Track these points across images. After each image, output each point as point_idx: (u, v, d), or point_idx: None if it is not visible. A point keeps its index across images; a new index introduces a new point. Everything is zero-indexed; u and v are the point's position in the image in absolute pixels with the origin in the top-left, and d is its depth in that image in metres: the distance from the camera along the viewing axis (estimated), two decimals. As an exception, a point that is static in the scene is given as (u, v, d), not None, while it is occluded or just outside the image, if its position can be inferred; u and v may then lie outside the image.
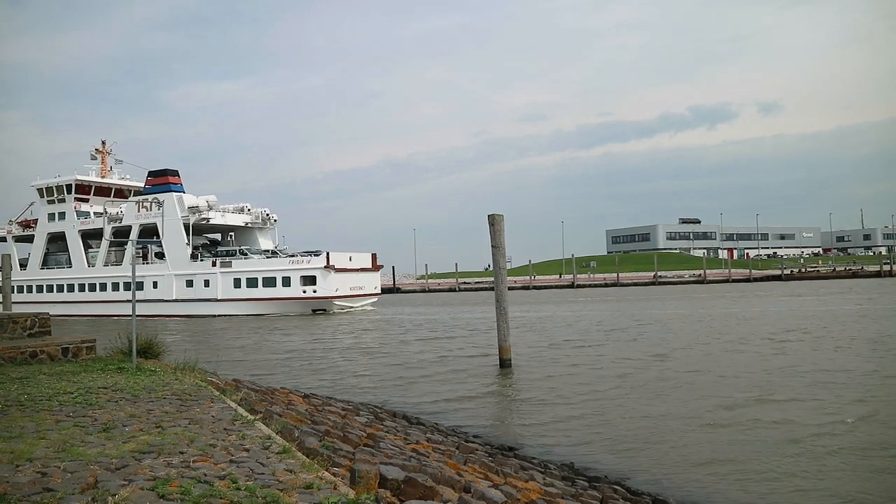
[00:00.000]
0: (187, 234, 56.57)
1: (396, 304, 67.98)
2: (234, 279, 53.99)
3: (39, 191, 65.75)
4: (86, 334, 13.98)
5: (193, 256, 56.76)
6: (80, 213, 63.17)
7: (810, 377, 16.56)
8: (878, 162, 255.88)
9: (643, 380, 17.00)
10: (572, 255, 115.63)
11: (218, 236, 64.53)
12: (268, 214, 61.95)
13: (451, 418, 13.46)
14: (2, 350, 11.47)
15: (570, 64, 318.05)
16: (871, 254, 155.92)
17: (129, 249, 61.37)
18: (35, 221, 67.02)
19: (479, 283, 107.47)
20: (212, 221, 57.56)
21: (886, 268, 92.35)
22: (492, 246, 20.86)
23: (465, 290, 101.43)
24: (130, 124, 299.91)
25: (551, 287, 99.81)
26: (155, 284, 57.31)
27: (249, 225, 60.73)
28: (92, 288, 61.12)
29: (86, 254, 62.79)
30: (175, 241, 56.51)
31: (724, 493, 8.64)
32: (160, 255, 58.70)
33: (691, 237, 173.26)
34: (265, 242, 61.45)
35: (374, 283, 57.12)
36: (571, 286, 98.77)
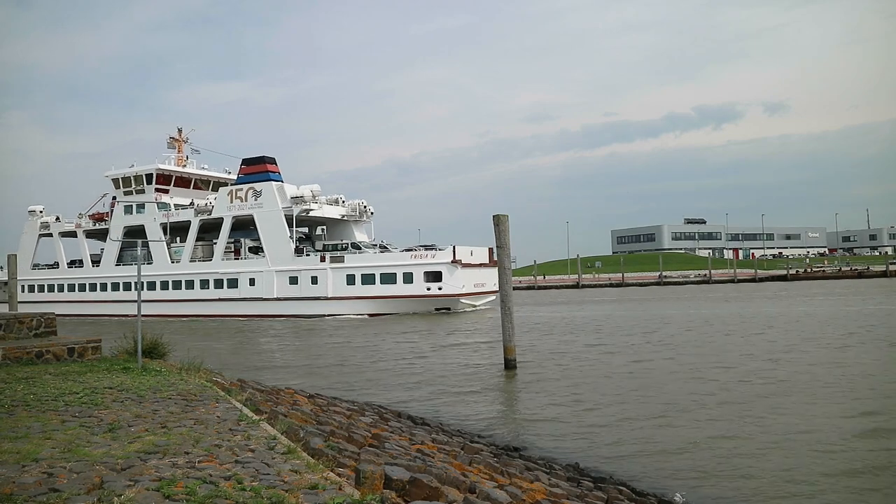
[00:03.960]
0: (289, 226, 51.66)
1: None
2: (348, 275, 48.89)
3: (115, 181, 61.04)
4: (91, 334, 14.01)
5: (298, 251, 51.75)
6: (160, 205, 58.60)
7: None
8: (885, 162, 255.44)
9: (649, 380, 16.95)
10: (577, 256, 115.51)
11: (306, 229, 59.54)
12: (365, 206, 57.21)
13: (455, 419, 13.45)
14: (8, 350, 11.50)
15: (575, 64, 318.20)
16: (878, 254, 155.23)
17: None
18: (109, 214, 62.12)
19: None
20: (312, 213, 52.82)
21: (893, 268, 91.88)
22: (496, 246, 20.83)
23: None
24: (135, 124, 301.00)
25: (556, 287, 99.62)
26: (252, 282, 52.28)
27: (345, 217, 56.18)
28: (177, 286, 55.96)
29: (168, 249, 57.73)
30: (275, 235, 51.87)
31: (730, 495, 8.61)
32: (255, 250, 54.25)
33: (696, 237, 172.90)
34: (360, 236, 56.88)
35: (493, 279, 52.33)
36: (577, 286, 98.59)
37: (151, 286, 57.05)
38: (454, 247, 47.48)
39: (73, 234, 65.12)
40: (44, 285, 65.30)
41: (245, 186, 53.99)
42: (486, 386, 17.15)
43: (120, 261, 60.64)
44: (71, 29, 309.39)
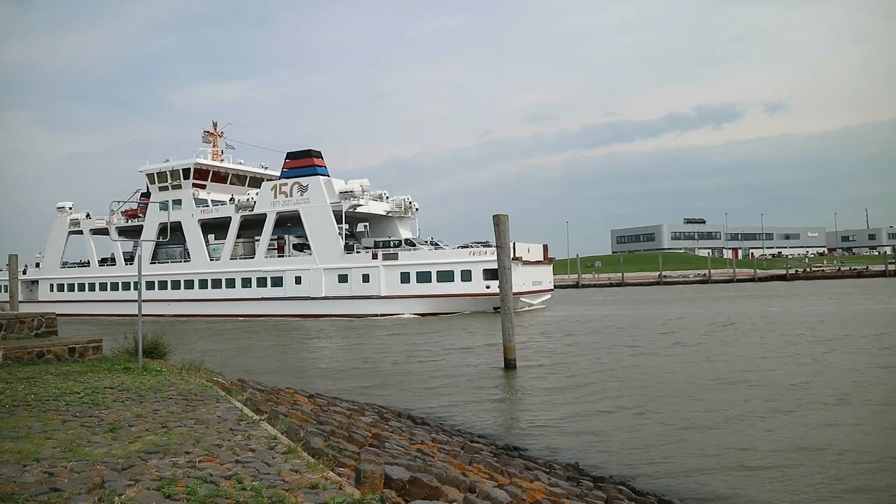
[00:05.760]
0: (338, 222, 49.63)
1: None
2: (402, 273, 46.84)
3: (150, 176, 58.73)
4: (92, 334, 14.03)
5: (348, 248, 49.61)
6: (197, 201, 56.45)
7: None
8: (884, 162, 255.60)
9: (651, 380, 16.95)
10: (577, 255, 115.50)
11: (346, 226, 55.84)
12: (410, 202, 55.14)
13: (455, 418, 13.45)
14: (9, 350, 11.51)
15: (575, 64, 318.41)
16: (877, 254, 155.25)
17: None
18: (143, 211, 59.65)
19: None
20: (360, 209, 50.66)
21: (892, 268, 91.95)
22: (496, 246, 20.89)
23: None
24: (135, 124, 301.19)
25: (556, 287, 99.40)
26: (298, 280, 50.25)
27: (390, 214, 54.12)
28: (217, 285, 53.87)
29: (206, 246, 55.74)
30: (323, 231, 49.88)
31: (730, 495, 8.62)
32: (299, 247, 52.39)
33: (696, 237, 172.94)
34: (405, 233, 54.64)
35: (549, 277, 51.28)
36: (577, 286, 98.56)
37: (189, 285, 55.23)
38: (514, 243, 44.15)
39: (104, 232, 62.70)
40: (73, 284, 63.59)
41: (290, 181, 51.70)
42: (487, 386, 17.15)
43: (155, 258, 58.60)
44: (71, 29, 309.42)
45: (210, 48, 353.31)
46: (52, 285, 64.94)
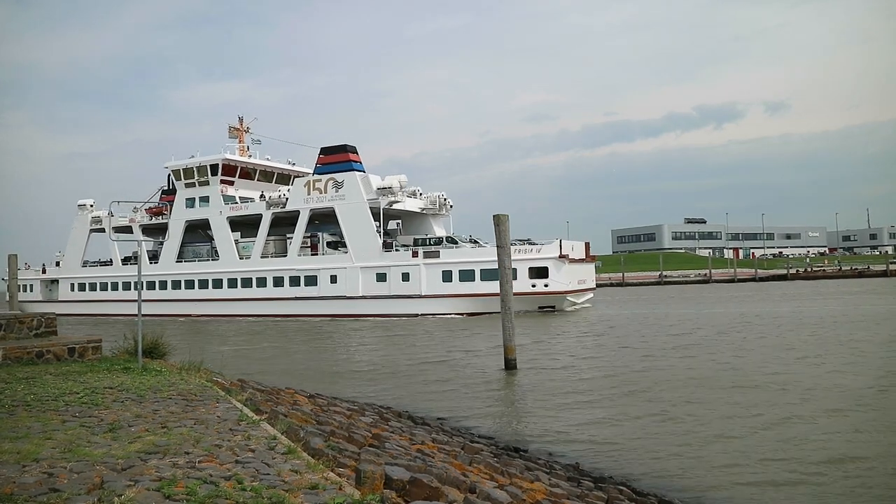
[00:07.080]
0: (376, 219, 48.43)
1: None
2: (444, 272, 45.56)
3: (175, 172, 57.15)
4: (92, 334, 14.02)
5: (386, 246, 48.29)
6: (225, 198, 55.02)
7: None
8: (885, 162, 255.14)
9: (652, 381, 16.93)
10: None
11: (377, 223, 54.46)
12: (445, 199, 53.66)
13: (456, 419, 13.44)
14: (8, 350, 11.51)
15: (575, 64, 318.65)
16: (878, 253, 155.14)
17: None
18: (167, 208, 57.93)
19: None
20: (396, 206, 49.25)
21: (893, 267, 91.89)
22: (497, 246, 20.89)
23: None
24: (135, 124, 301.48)
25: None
26: (333, 279, 48.92)
27: (424, 211, 52.79)
28: (247, 284, 52.57)
29: (236, 244, 54.38)
30: (360, 229, 48.63)
31: (730, 495, 8.60)
32: (333, 245, 51.37)
33: (697, 237, 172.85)
34: (438, 230, 53.07)
35: (591, 275, 50.42)
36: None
37: (218, 284, 54.03)
38: (560, 241, 44.58)
39: (127, 230, 60.87)
40: (95, 283, 62.22)
41: (324, 177, 50.44)
42: (487, 386, 17.14)
43: (181, 257, 57.19)
44: (71, 28, 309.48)
45: (210, 48, 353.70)
46: (72, 285, 63.87)
